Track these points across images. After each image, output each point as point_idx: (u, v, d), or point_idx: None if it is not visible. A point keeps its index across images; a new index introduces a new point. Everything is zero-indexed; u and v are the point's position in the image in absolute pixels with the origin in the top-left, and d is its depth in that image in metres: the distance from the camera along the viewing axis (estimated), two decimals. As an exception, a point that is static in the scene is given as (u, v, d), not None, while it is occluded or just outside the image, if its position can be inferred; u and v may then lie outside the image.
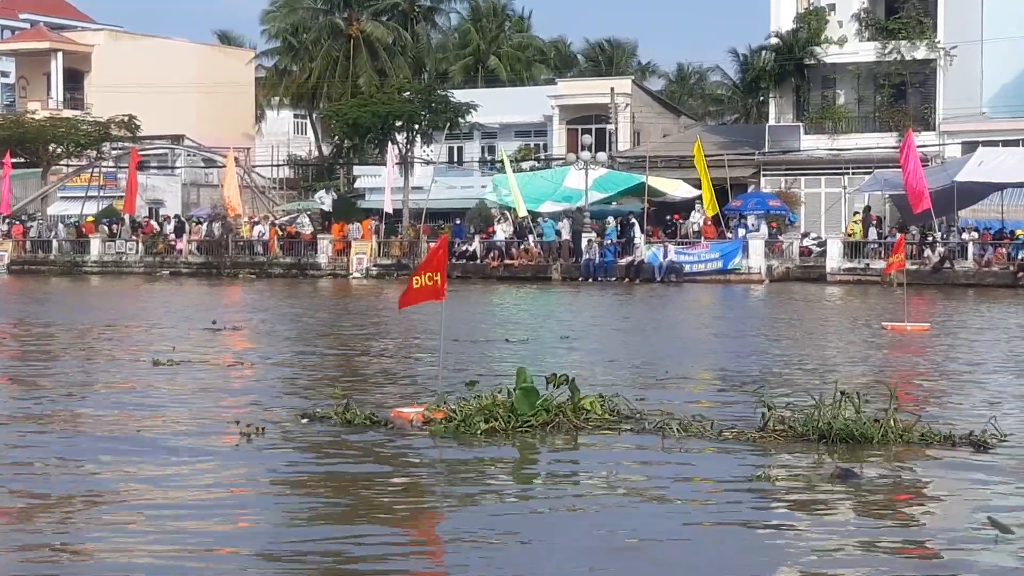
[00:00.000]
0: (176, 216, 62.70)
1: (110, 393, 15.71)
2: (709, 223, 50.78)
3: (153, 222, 62.93)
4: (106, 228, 60.23)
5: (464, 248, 51.99)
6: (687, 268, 48.13)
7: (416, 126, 57.87)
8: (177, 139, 71.66)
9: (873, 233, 48.61)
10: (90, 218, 62.38)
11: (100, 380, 17.05)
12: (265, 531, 8.93)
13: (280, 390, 16.01)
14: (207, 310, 31.99)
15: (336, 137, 70.83)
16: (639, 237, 49.70)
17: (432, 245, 47.22)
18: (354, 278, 51.98)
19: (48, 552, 8.32)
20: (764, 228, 50.02)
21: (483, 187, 58.90)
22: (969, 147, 52.17)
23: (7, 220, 62.88)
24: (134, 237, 59.27)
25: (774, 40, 59.38)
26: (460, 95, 60.63)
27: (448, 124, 58.59)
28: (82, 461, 11.25)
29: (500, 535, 8.77)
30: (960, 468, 11.04)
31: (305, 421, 13.11)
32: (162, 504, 9.55)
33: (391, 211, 54.67)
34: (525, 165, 61.61)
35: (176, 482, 10.34)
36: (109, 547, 8.38)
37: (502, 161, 54.79)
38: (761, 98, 68.28)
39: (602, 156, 55.45)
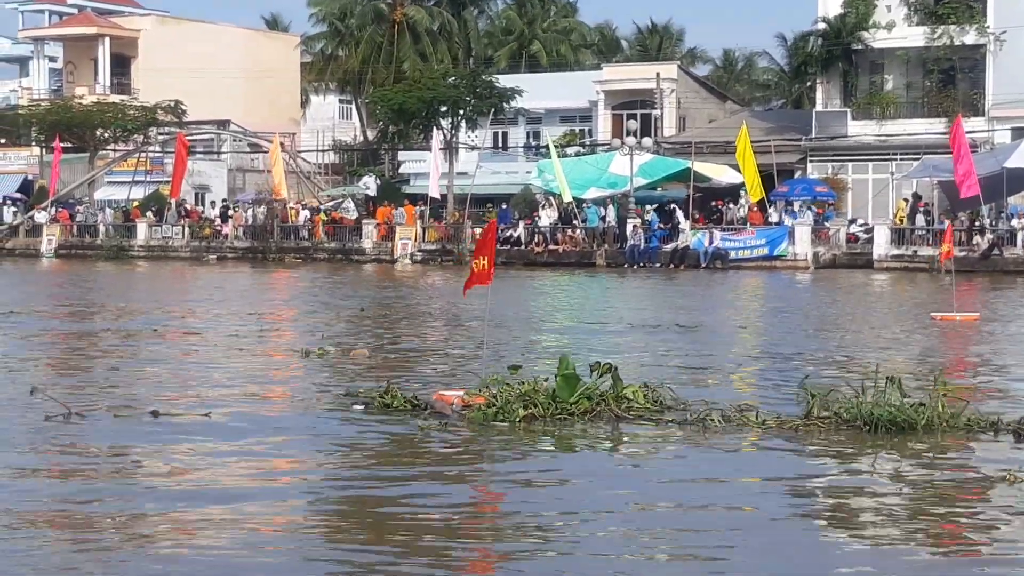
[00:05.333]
0: (224, 201, 63.00)
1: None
2: (755, 209, 50.50)
3: (199, 207, 63.23)
4: (152, 215, 60.52)
5: (508, 234, 51.86)
6: (732, 254, 47.87)
7: (461, 111, 57.80)
8: (223, 124, 71.86)
9: (921, 220, 48.21)
10: (136, 203, 62.74)
11: (255, 372, 17.04)
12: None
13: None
14: (322, 295, 32.91)
15: (381, 122, 70.85)
16: (684, 223, 49.48)
17: (476, 230, 47.45)
18: (404, 263, 51.95)
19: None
20: (809, 215, 49.71)
21: (528, 173, 58.79)
22: (1019, 133, 51.65)
23: (54, 205, 63.36)
24: (180, 222, 59.54)
25: (822, 25, 58.90)
26: (505, 80, 60.51)
27: (493, 109, 58.47)
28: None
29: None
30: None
31: (360, 407, 13.02)
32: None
33: (438, 196, 54.62)
34: (570, 150, 61.37)
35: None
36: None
37: (547, 146, 54.63)
38: (808, 83, 67.80)
39: (647, 141, 55.09)
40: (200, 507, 9.11)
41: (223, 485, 9.91)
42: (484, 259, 13.26)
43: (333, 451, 11.25)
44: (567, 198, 50.87)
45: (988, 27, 55.70)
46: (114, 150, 68.55)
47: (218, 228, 58.67)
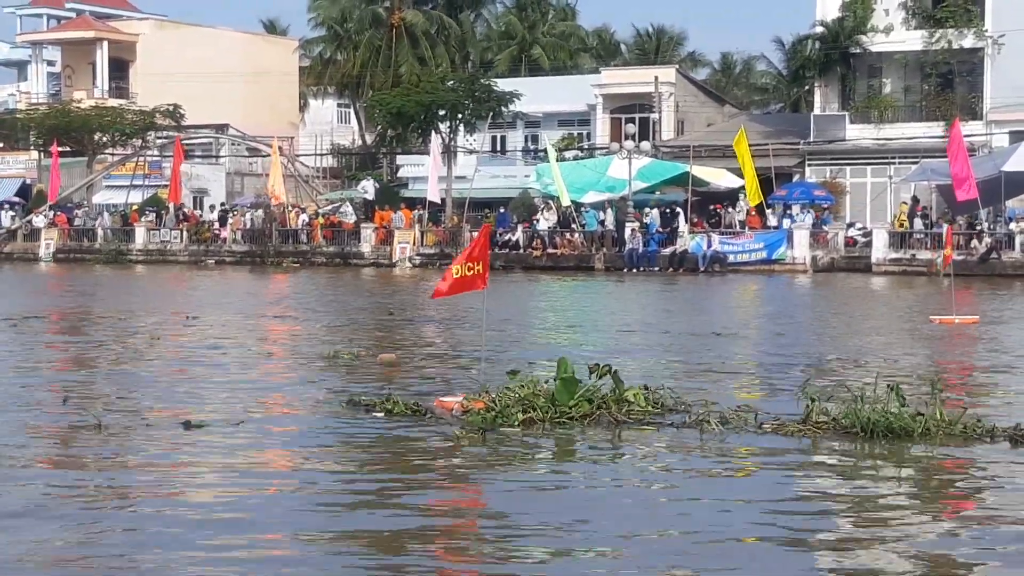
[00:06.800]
0: (222, 205, 62.99)
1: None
2: (753, 213, 50.52)
3: (197, 211, 63.24)
4: (152, 219, 60.51)
5: (507, 237, 51.91)
6: (731, 258, 47.90)
7: (459, 115, 57.81)
8: (221, 128, 71.88)
9: (919, 223, 48.23)
10: (135, 207, 62.75)
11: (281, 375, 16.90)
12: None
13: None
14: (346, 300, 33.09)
15: (380, 126, 70.91)
16: (683, 227, 49.51)
17: (474, 234, 47.44)
18: (403, 267, 51.92)
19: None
20: (808, 218, 49.72)
21: (526, 176, 58.84)
22: (1017, 136, 51.65)
23: (53, 209, 63.35)
24: (179, 226, 59.53)
25: (820, 29, 58.98)
26: (503, 84, 60.56)
27: (491, 113, 58.50)
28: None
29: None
30: None
31: (381, 415, 12.85)
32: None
33: (438, 200, 54.63)
34: (568, 154, 61.43)
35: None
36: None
37: (546, 150, 54.65)
38: (806, 87, 67.86)
39: (646, 145, 55.16)
40: (221, 523, 9.02)
41: (249, 500, 9.62)
42: (469, 265, 13.16)
43: (370, 463, 11.04)
44: (565, 202, 50.91)
45: (986, 31, 55.76)
46: (112, 154, 68.57)
47: (216, 232, 58.67)
